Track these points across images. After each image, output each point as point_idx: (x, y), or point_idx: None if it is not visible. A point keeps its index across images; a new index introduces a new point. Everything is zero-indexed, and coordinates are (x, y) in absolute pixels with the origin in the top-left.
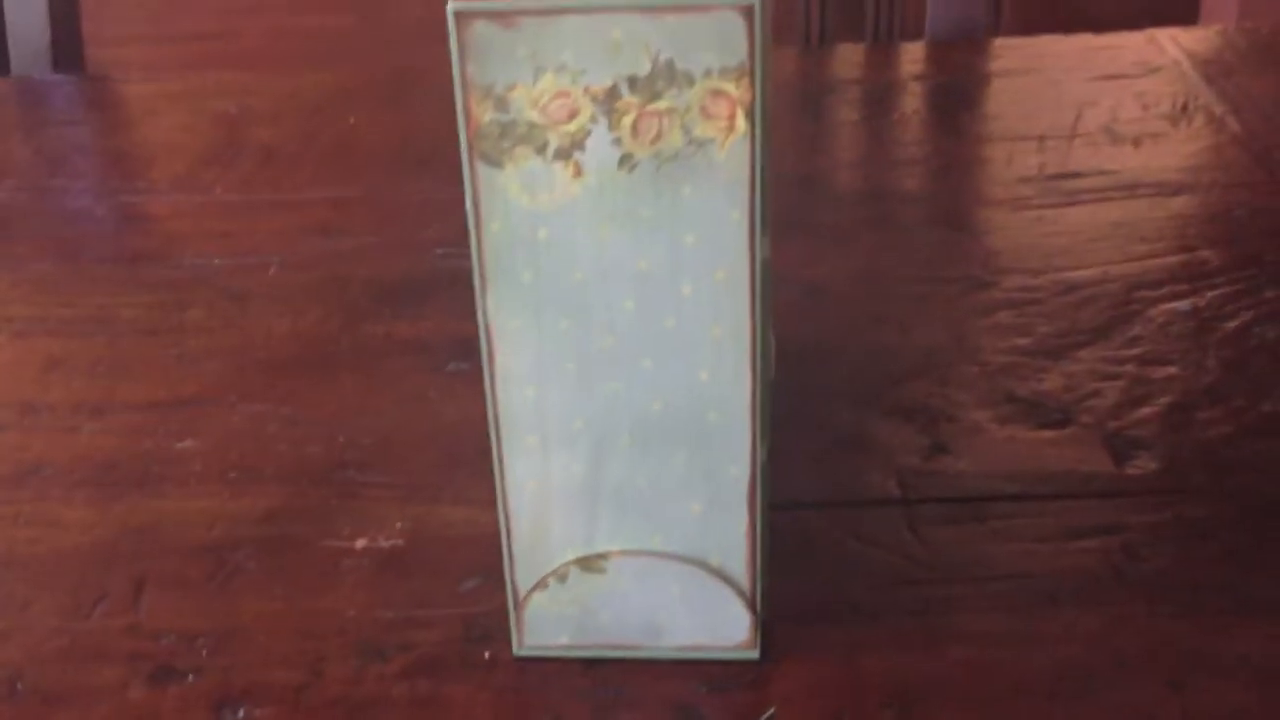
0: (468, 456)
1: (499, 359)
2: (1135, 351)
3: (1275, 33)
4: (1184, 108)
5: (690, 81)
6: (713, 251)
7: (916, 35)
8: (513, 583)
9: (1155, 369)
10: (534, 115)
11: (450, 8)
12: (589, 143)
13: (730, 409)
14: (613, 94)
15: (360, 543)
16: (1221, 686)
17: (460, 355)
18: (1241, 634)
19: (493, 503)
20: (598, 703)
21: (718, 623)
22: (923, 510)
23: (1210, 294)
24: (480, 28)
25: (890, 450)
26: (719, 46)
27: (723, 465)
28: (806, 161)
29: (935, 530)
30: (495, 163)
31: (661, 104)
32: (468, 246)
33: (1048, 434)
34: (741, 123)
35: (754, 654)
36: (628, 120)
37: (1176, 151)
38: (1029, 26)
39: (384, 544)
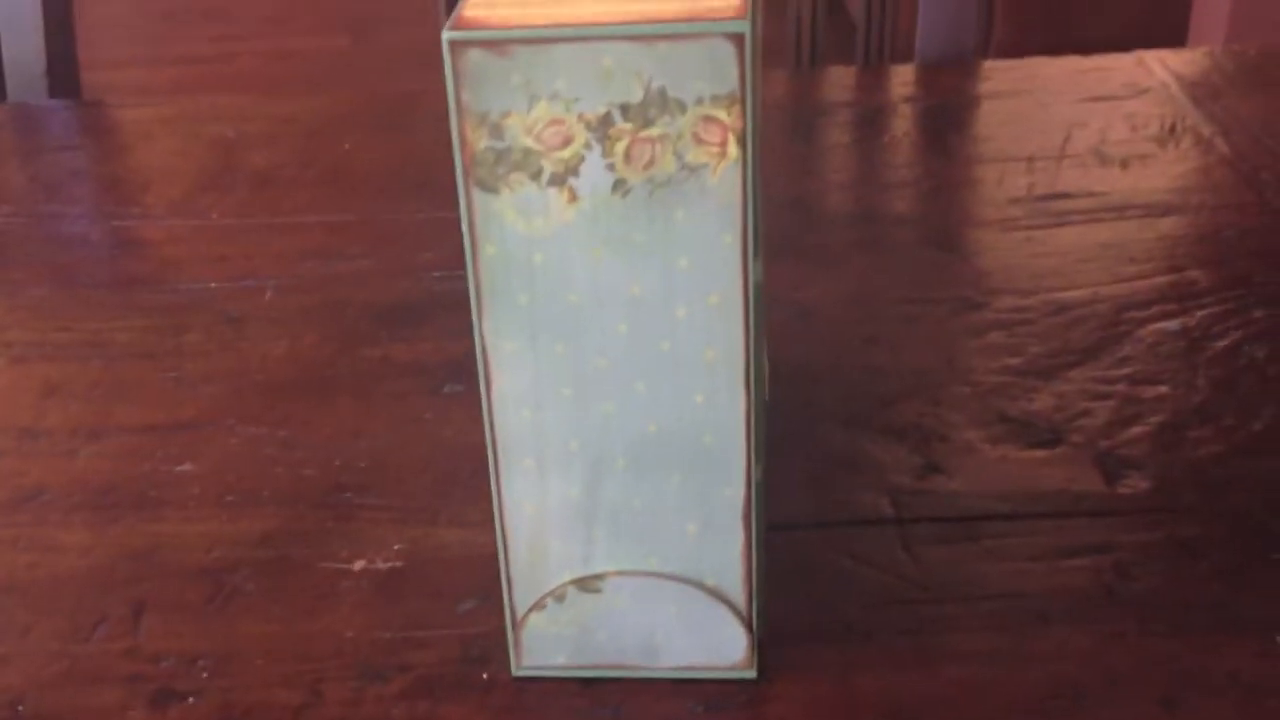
0: (464, 478)
1: (495, 382)
2: (1125, 371)
3: (1263, 55)
4: (1172, 129)
5: (682, 108)
6: (706, 275)
7: (906, 58)
8: (510, 603)
9: (1145, 389)
10: (528, 142)
11: (445, 37)
12: (583, 169)
13: (725, 431)
14: (606, 121)
15: (358, 564)
16: (1212, 705)
17: (456, 378)
18: (1232, 652)
19: (489, 524)
20: None
21: (714, 643)
22: (916, 530)
23: (1199, 314)
24: (475, 56)
25: (883, 470)
26: (710, 74)
27: (718, 487)
28: (797, 184)
29: (928, 549)
30: (491, 188)
31: (654, 130)
32: (463, 270)
33: (1039, 453)
34: (733, 148)
35: (751, 673)
36: (621, 147)
37: (1165, 173)
38: (1018, 49)
39: (382, 566)
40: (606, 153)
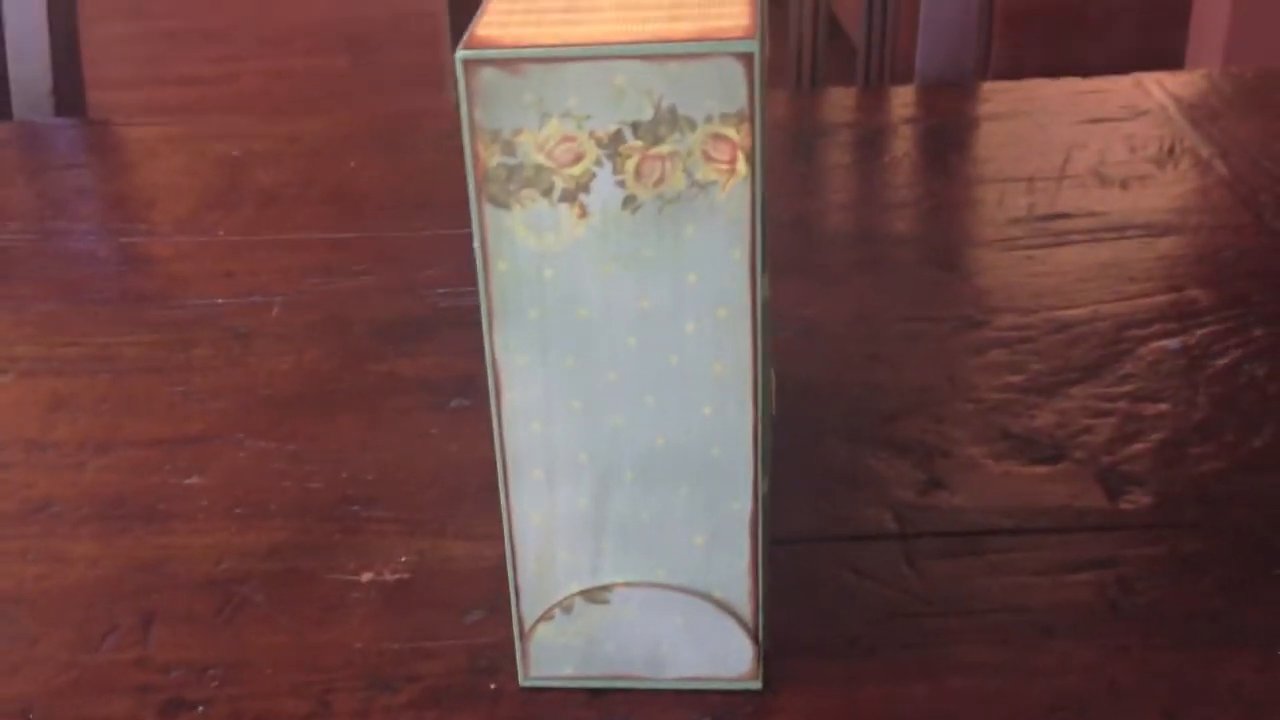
0: (471, 492)
1: (506, 395)
2: (1127, 389)
3: (1260, 77)
4: (1171, 151)
5: (692, 126)
6: (715, 290)
7: (906, 80)
8: (518, 614)
9: (1147, 406)
10: (540, 159)
11: (459, 55)
12: (594, 185)
13: (732, 444)
14: (617, 138)
15: (366, 576)
16: (1215, 718)
17: (462, 393)
18: (1234, 666)
19: (496, 537)
20: None
21: (721, 654)
22: (919, 544)
23: (1199, 332)
24: (488, 75)
25: (886, 485)
26: (720, 92)
27: (725, 499)
28: (799, 203)
29: (932, 564)
30: (502, 204)
31: (664, 148)
32: (467, 287)
33: (1042, 469)
34: (742, 166)
35: (756, 685)
36: (631, 164)
37: (1164, 193)
38: (1015, 73)
39: (389, 578)
40: (617, 170)
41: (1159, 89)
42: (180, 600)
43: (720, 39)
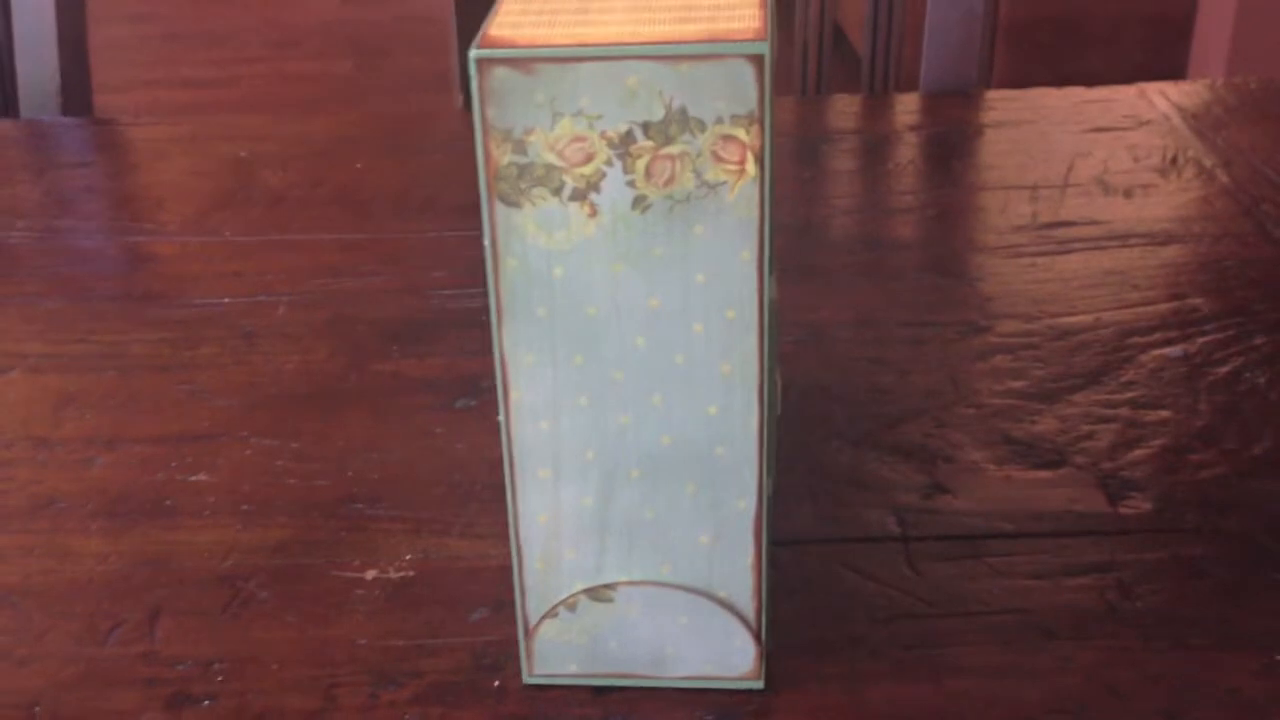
0: (476, 491)
1: (514, 393)
2: (1128, 395)
3: (1263, 87)
4: (1174, 160)
5: (702, 127)
6: (723, 290)
7: (910, 88)
8: (523, 612)
9: (1148, 412)
10: (551, 158)
11: (472, 54)
12: (604, 184)
13: (738, 443)
14: (628, 138)
15: (371, 574)
16: (1213, 718)
17: (467, 393)
18: (1233, 669)
19: (501, 536)
20: None
21: (724, 652)
22: (922, 547)
23: (1201, 340)
24: (501, 74)
25: (890, 489)
26: (730, 94)
27: (730, 498)
28: (805, 209)
29: (934, 566)
30: (513, 203)
31: (674, 148)
32: (472, 288)
33: (1043, 474)
34: (751, 167)
35: (759, 684)
36: (642, 163)
37: (1167, 202)
38: (1021, 84)
39: (394, 575)
40: (627, 169)
41: (1162, 99)
42: (186, 595)
43: (731, 40)
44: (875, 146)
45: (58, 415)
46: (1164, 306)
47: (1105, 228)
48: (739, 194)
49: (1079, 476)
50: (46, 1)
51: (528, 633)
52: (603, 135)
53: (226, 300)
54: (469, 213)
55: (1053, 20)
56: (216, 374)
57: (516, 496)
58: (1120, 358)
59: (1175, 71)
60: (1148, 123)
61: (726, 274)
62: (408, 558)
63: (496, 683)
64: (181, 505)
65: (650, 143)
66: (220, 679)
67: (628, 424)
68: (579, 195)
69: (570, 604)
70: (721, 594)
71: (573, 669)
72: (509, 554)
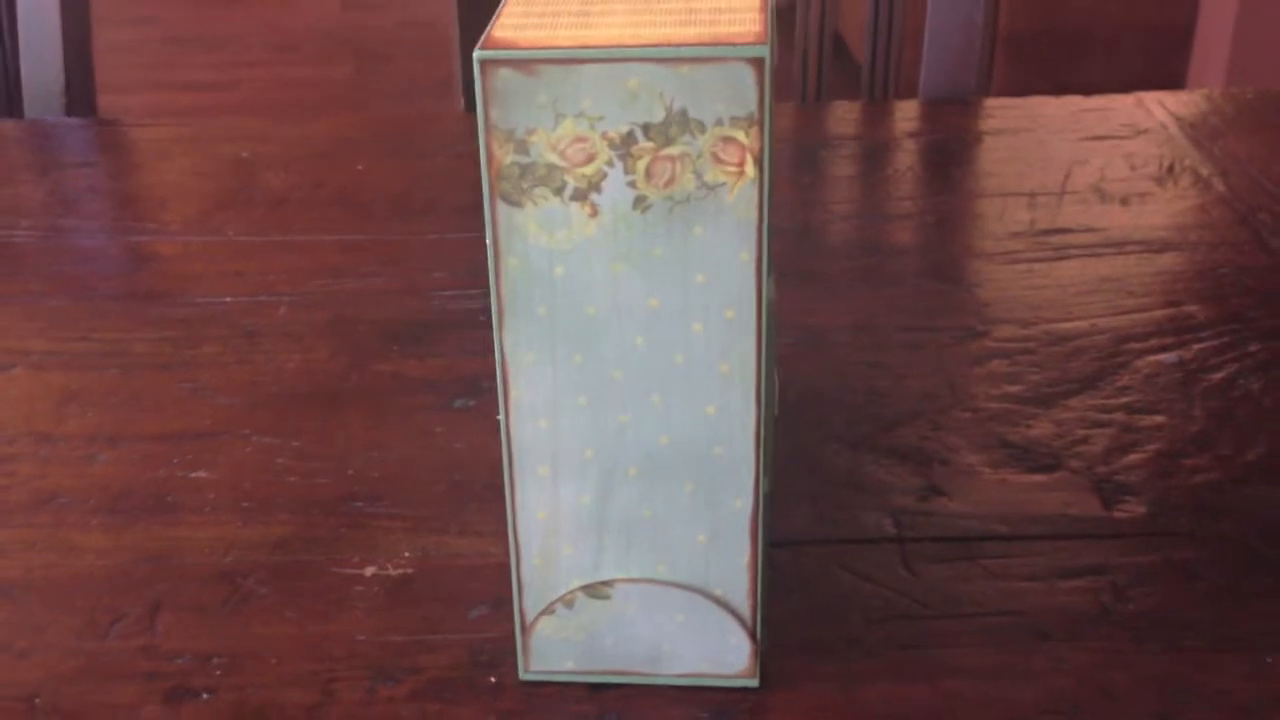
0: (475, 490)
1: (514, 391)
2: (1123, 401)
3: (1260, 98)
4: (1171, 168)
5: (702, 129)
6: (722, 291)
7: (910, 95)
8: (520, 608)
9: (1143, 418)
10: (553, 158)
11: (476, 56)
12: (605, 185)
13: (735, 443)
14: (629, 139)
15: (370, 571)
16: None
17: (467, 393)
18: (1225, 671)
19: (500, 534)
20: None
21: (719, 650)
22: (917, 549)
23: (1196, 347)
24: (504, 75)
25: (886, 491)
26: (730, 96)
27: (727, 497)
28: (804, 214)
29: (929, 568)
30: (515, 202)
31: (675, 149)
32: (473, 289)
33: (1038, 478)
34: (751, 168)
35: (753, 682)
36: (642, 164)
37: (1163, 210)
38: (1020, 94)
39: (393, 572)
40: (628, 170)
41: (1160, 108)
42: (186, 591)
43: (732, 43)
44: (874, 153)
45: (60, 412)
46: (1159, 313)
47: (1102, 235)
48: (738, 195)
49: (1074, 480)
50: (51, 2)
51: (524, 629)
52: (604, 136)
53: (228, 300)
54: (470, 215)
55: (1052, 31)
56: (218, 372)
57: (515, 494)
58: (1116, 363)
59: (1174, 82)
60: (1145, 131)
61: (725, 274)
62: (407, 555)
63: (493, 679)
64: (183, 502)
65: (651, 144)
66: (219, 673)
67: (627, 423)
68: (580, 195)
69: (568, 601)
70: (718, 592)
71: (569, 666)
72: (508, 552)
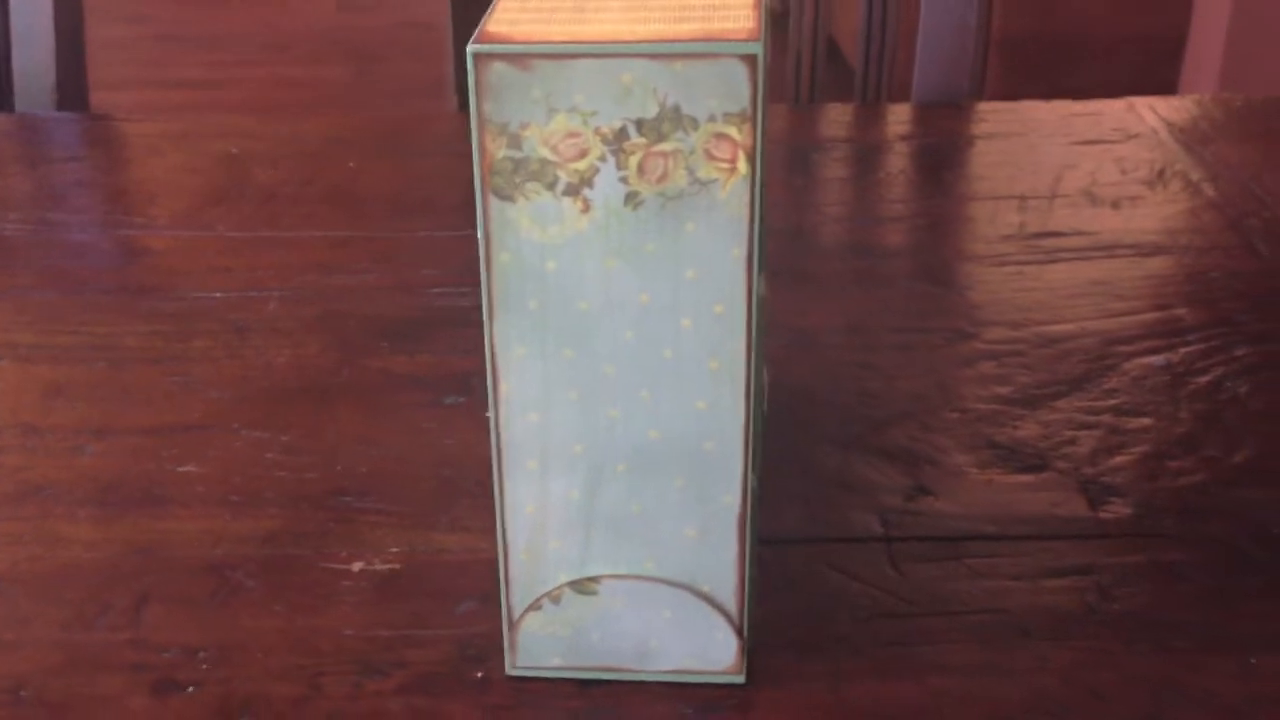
0: (464, 486)
1: (504, 385)
2: (1111, 403)
3: (1250, 104)
4: (1161, 173)
5: (695, 125)
6: (712, 286)
7: (903, 99)
8: (508, 604)
9: (1130, 420)
10: (546, 153)
11: (470, 50)
12: (597, 180)
13: (724, 438)
14: (621, 135)
15: (357, 565)
16: (1191, 719)
17: (457, 389)
18: (1211, 671)
19: (488, 530)
20: None
21: (705, 646)
22: (904, 548)
23: (1184, 350)
24: (498, 69)
25: (874, 491)
26: (723, 93)
27: (716, 493)
28: (797, 215)
29: (916, 566)
30: (507, 197)
31: (667, 145)
32: (463, 287)
33: (1025, 478)
34: (743, 165)
35: (740, 678)
36: (635, 160)
37: (1153, 215)
38: (1012, 99)
39: (381, 567)
40: (621, 165)
41: (1151, 113)
42: (174, 583)
43: (725, 40)
44: (867, 155)
45: (48, 404)
46: (1148, 316)
47: (1092, 238)
48: (730, 191)
49: (1061, 481)
50: None
51: (511, 625)
52: (597, 131)
53: (218, 294)
54: (462, 213)
55: (1046, 37)
56: (208, 367)
57: (504, 489)
58: (1104, 366)
59: (1167, 90)
60: (1136, 136)
61: (716, 270)
62: (395, 550)
63: (480, 674)
64: (171, 495)
65: (644, 139)
66: (205, 666)
67: (616, 418)
68: (573, 190)
69: (555, 596)
70: (705, 588)
71: (556, 662)
72: (495, 547)
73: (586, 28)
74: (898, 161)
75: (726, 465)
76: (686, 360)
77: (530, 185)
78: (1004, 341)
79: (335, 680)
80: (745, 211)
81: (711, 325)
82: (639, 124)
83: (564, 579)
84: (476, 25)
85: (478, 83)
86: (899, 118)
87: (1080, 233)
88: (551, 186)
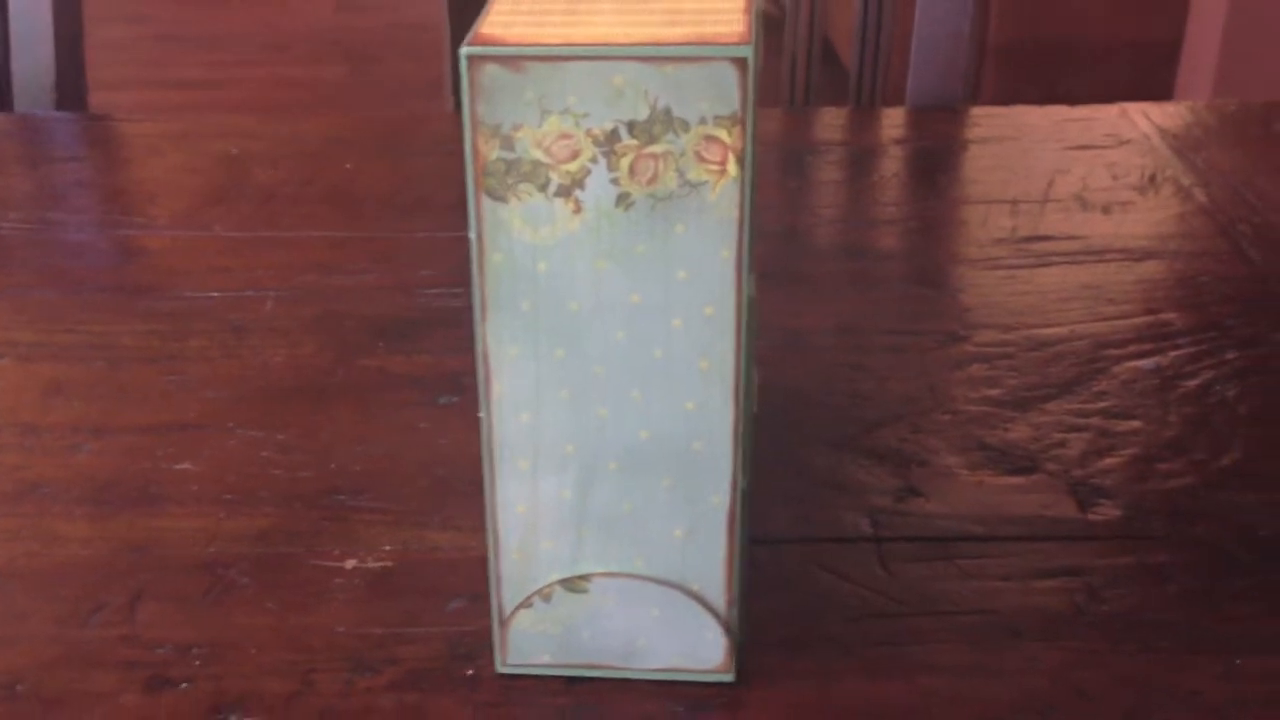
0: (457, 485)
1: (495, 385)
2: (1101, 405)
3: (1243, 110)
4: (1152, 178)
5: (686, 127)
6: (703, 287)
7: (897, 103)
8: (498, 601)
9: (1119, 422)
10: (538, 154)
11: (463, 52)
12: (589, 181)
13: (714, 439)
14: (613, 137)
15: (350, 563)
16: None
17: (451, 389)
18: (1197, 672)
19: (479, 529)
20: None
21: (695, 645)
22: (894, 548)
23: (1173, 354)
24: (491, 71)
25: (865, 491)
26: (714, 95)
27: (705, 493)
28: (790, 217)
29: (905, 567)
30: (500, 198)
31: (658, 147)
32: (459, 287)
33: (1015, 480)
34: (733, 167)
35: (729, 677)
36: (626, 162)
37: (1144, 220)
38: (1007, 104)
39: (373, 565)
40: (612, 167)
41: (1143, 119)
42: (168, 581)
43: (716, 43)
44: (861, 158)
45: (46, 403)
46: (1138, 320)
47: (1083, 243)
48: (720, 194)
49: (1050, 483)
50: None
51: (502, 623)
52: (589, 133)
53: (215, 294)
54: (459, 214)
55: (1041, 43)
56: (204, 366)
57: (495, 488)
58: (1094, 369)
59: (1162, 96)
60: (1128, 142)
61: (706, 272)
62: (387, 548)
63: (471, 671)
64: (166, 493)
65: (635, 141)
66: (199, 663)
67: (607, 418)
68: (564, 191)
69: (545, 594)
70: (694, 587)
71: (546, 659)
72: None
73: (579, 30)
74: (891, 165)
75: (716, 465)
76: (677, 361)
77: (522, 186)
78: (995, 344)
79: (327, 677)
80: (735, 214)
81: (701, 326)
82: (630, 126)
83: (554, 577)
84: (472, 25)
85: (471, 84)
86: (893, 121)
87: (1071, 237)
88: (543, 188)
